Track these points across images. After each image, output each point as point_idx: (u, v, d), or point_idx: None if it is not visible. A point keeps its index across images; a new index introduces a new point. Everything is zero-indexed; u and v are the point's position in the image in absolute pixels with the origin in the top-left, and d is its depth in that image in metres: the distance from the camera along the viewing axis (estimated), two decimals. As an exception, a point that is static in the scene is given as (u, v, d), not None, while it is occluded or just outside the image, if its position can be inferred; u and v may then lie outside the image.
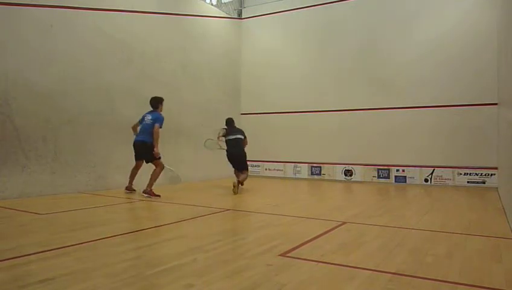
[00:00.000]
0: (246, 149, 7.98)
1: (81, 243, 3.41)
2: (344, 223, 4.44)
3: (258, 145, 10.97)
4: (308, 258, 3.01)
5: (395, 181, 9.40)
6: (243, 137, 7.96)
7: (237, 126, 8.36)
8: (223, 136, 7.84)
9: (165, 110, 7.07)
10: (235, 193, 7.14)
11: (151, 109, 6.89)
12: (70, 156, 6.99)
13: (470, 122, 8.67)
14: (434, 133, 9.02)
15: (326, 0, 10.41)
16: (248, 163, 7.93)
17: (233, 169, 7.92)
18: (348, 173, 10.03)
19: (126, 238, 3.68)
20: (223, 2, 11.21)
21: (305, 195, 7.69)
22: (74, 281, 2.44)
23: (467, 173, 8.68)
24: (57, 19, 6.83)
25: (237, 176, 7.71)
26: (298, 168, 10.73)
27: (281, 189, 8.45)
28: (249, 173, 11.37)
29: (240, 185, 7.53)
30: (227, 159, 7.83)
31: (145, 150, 6.57)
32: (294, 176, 10.75)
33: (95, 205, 5.72)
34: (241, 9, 11.76)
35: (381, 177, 9.59)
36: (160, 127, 6.61)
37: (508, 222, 4.51)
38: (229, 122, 8.20)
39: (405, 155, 9.33)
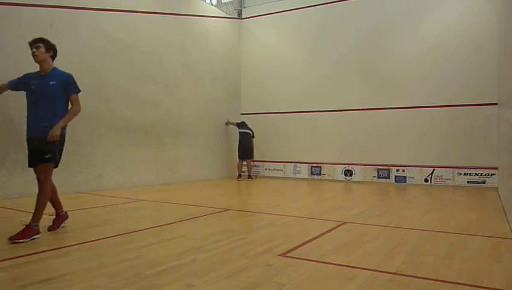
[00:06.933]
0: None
1: (81, 243, 3.41)
2: (344, 223, 4.44)
3: (258, 145, 10.97)
4: (308, 258, 3.01)
5: (395, 181, 9.40)
6: (251, 132, 10.48)
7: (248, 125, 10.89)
8: (236, 125, 10.66)
9: (165, 109, 7.06)
10: (249, 178, 10.28)
11: None
12: (70, 156, 6.97)
13: (469, 122, 8.67)
14: (434, 133, 9.02)
15: (326, 0, 10.42)
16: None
17: (237, 161, 10.56)
18: (348, 173, 10.03)
19: (126, 238, 3.68)
20: (223, 2, 11.21)
21: (305, 195, 7.69)
22: (74, 281, 2.44)
23: (467, 173, 8.68)
24: (57, 19, 6.83)
25: (239, 169, 10.41)
26: (298, 168, 10.73)
27: (281, 189, 8.44)
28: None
29: (249, 178, 10.26)
30: (237, 147, 10.47)
31: None
32: (294, 176, 10.75)
33: (95, 205, 5.73)
34: (241, 9, 11.75)
35: (381, 177, 9.58)
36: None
37: (508, 222, 4.50)
38: (242, 122, 10.76)
39: (405, 155, 9.33)
